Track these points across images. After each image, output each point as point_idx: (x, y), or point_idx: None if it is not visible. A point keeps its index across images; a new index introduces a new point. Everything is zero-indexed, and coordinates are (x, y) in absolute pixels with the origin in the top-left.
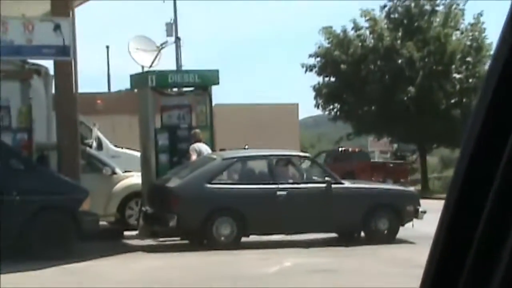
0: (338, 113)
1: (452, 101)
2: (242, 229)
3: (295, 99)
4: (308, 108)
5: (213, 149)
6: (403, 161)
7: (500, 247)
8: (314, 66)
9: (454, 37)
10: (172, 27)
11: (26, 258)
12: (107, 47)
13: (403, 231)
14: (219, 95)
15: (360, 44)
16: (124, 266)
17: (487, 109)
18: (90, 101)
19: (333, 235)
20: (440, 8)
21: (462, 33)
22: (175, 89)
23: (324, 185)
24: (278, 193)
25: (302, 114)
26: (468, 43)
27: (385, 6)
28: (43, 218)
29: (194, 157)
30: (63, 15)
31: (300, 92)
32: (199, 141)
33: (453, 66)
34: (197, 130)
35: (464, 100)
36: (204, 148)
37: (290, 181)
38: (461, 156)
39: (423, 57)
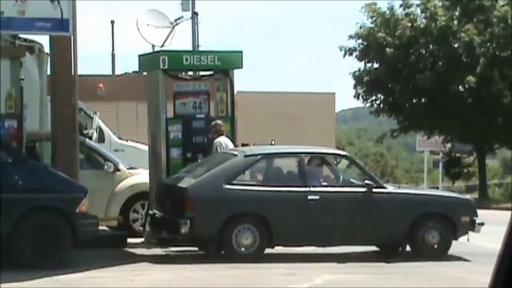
0: (381, 105)
1: None
2: (266, 238)
3: (331, 87)
4: (347, 99)
5: (234, 144)
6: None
7: None
8: (355, 49)
9: None
10: (188, 0)
11: (13, 268)
12: (112, 22)
13: (457, 246)
14: (243, 80)
15: (409, 24)
16: (127, 279)
17: None
18: (91, 85)
19: (373, 248)
20: None
21: None
22: (190, 73)
23: (363, 189)
24: (310, 197)
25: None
26: None
27: None
28: (34, 221)
29: None
30: None
31: (337, 79)
32: (221, 134)
33: None
34: (219, 121)
35: None
36: (230, 144)
37: (324, 183)
38: None
39: (485, 41)
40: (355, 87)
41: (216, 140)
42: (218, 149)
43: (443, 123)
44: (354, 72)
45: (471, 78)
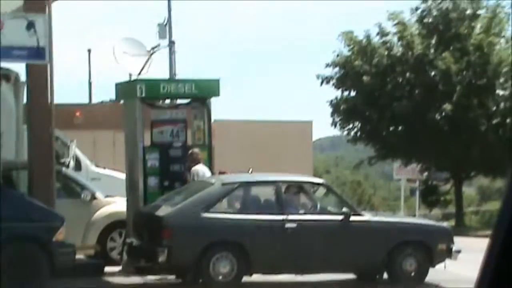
0: (358, 133)
1: (494, 122)
2: (244, 267)
3: (308, 116)
4: (324, 127)
5: (211, 172)
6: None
7: None
8: (332, 77)
9: (498, 47)
10: (165, 29)
11: None
12: (89, 50)
13: (434, 274)
14: (219, 109)
15: (386, 52)
16: None
17: None
18: (68, 114)
19: (351, 276)
20: (483, 12)
21: (508, 41)
22: (167, 101)
23: (341, 217)
24: (287, 225)
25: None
26: None
27: (417, 8)
28: (10, 250)
29: None
30: (38, 11)
31: (315, 108)
32: (199, 162)
33: (498, 81)
34: (196, 150)
35: (507, 121)
36: (208, 172)
37: (301, 211)
38: (510, 188)
39: (462, 69)
40: (332, 115)
41: (193, 168)
42: (195, 178)
43: (420, 151)
44: (331, 100)
45: (447, 106)
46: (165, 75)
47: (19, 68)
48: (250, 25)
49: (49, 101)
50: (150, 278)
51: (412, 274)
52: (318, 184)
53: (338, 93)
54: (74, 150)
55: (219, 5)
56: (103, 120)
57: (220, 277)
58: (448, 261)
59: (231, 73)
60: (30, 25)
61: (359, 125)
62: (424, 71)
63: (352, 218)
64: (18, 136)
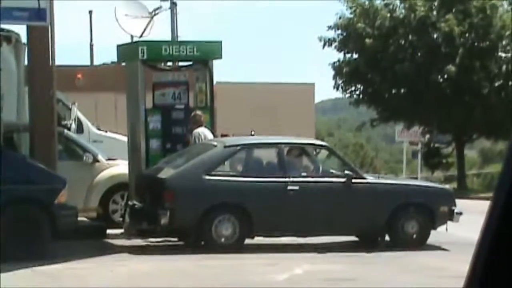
0: (361, 96)
1: (496, 84)
2: (246, 229)
3: (310, 78)
4: (326, 90)
5: (214, 135)
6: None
7: None
8: (334, 40)
9: (501, 9)
10: None
11: None
12: (90, 12)
13: (436, 236)
14: (222, 71)
15: (388, 14)
16: (106, 270)
17: None
18: (69, 76)
19: (353, 238)
20: None
21: (511, 4)
22: (169, 63)
23: (343, 179)
24: (289, 187)
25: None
26: None
27: None
28: (12, 212)
29: None
30: None
31: (317, 70)
32: (201, 125)
33: (500, 43)
34: (199, 112)
35: (510, 83)
36: (210, 135)
37: (304, 174)
38: (511, 150)
39: (464, 31)
40: (334, 77)
41: (195, 130)
42: (197, 140)
43: (422, 114)
44: (334, 62)
45: (450, 68)
46: (167, 37)
47: (20, 29)
48: None
49: (50, 63)
50: (152, 240)
51: (414, 236)
52: (321, 146)
53: (340, 55)
54: (76, 112)
55: None
56: (105, 82)
57: (222, 240)
58: (450, 223)
59: (234, 36)
60: None
61: (362, 87)
62: (427, 33)
63: (354, 180)
64: (20, 98)
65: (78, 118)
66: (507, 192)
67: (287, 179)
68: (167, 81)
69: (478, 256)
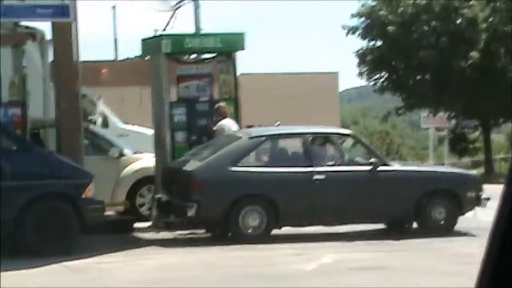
0: (385, 83)
1: None
2: (273, 219)
3: (334, 67)
4: (351, 78)
5: (239, 126)
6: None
7: None
8: (357, 28)
9: None
10: None
11: (20, 255)
12: (114, 7)
13: (463, 222)
14: (246, 62)
15: (411, 1)
16: (134, 263)
17: None
18: (94, 71)
19: (381, 226)
20: None
21: None
22: (193, 56)
23: (369, 167)
24: (315, 177)
25: (344, 85)
26: None
27: None
28: (40, 208)
29: None
30: None
31: (341, 59)
32: (226, 116)
33: None
34: (223, 104)
35: None
36: (235, 126)
37: (329, 163)
38: None
39: (488, 16)
40: (358, 65)
41: (220, 122)
42: (223, 132)
43: (448, 99)
44: (357, 50)
45: (474, 54)
46: (190, 30)
47: (44, 26)
48: None
49: (75, 58)
50: (180, 233)
51: (442, 222)
52: (346, 135)
53: (364, 43)
54: (101, 107)
55: None
56: (130, 77)
57: (249, 231)
58: (477, 209)
59: (257, 27)
60: None
61: (386, 75)
62: (450, 19)
63: (380, 168)
64: (45, 94)
65: (103, 113)
66: None
67: (313, 169)
68: (191, 73)
69: (489, 253)
